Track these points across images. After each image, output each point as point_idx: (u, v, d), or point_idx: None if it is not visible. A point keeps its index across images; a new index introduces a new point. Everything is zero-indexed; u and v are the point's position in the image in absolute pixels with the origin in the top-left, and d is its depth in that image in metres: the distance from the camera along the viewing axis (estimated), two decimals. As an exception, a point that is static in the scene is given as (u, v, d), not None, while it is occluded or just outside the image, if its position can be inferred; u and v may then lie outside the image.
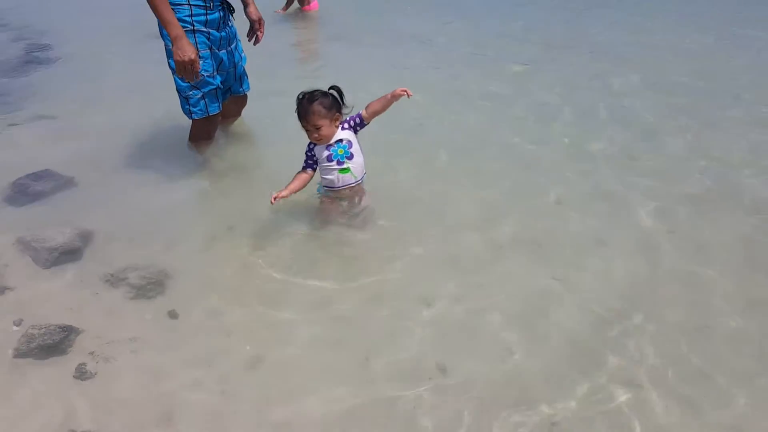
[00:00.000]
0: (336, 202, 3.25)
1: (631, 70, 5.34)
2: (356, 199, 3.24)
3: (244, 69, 4.02)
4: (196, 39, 3.49)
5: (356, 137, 3.11)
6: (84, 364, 2.38)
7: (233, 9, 3.75)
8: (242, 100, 4.21)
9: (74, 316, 2.63)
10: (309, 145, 3.11)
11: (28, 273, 2.92)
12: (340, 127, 3.06)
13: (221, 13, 3.62)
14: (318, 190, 3.26)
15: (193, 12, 3.46)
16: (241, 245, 3.10)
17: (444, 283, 2.78)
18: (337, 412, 2.18)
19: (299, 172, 3.12)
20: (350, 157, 3.08)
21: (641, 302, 2.64)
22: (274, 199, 2.92)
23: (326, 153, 3.07)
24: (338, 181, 3.12)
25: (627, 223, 3.20)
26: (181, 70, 3.39)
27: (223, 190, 3.67)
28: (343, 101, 3.05)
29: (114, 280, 2.84)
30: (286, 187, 3.01)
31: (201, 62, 3.51)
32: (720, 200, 3.37)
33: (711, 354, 2.37)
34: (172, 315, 2.64)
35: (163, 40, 3.50)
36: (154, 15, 3.32)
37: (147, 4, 3.27)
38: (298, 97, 3.01)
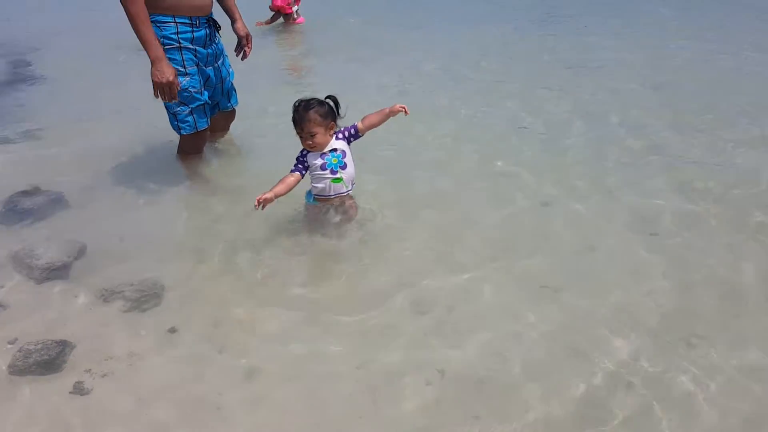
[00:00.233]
0: (325, 211, 3.27)
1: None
2: (345, 208, 3.28)
3: (232, 84, 4.07)
4: (183, 56, 3.54)
5: (349, 148, 3.18)
6: (81, 382, 2.39)
7: (219, 26, 3.81)
8: (230, 114, 4.26)
9: (69, 332, 2.65)
10: (302, 152, 3.16)
11: (22, 289, 2.94)
12: (334, 137, 3.13)
13: (207, 30, 3.67)
14: (307, 198, 3.30)
15: (180, 30, 3.51)
16: (234, 258, 3.14)
17: (437, 289, 2.85)
18: (331, 419, 2.23)
19: (286, 175, 3.12)
20: (344, 166, 3.14)
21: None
22: (258, 201, 2.95)
23: (320, 161, 3.12)
24: (330, 189, 3.18)
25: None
26: (159, 91, 3.44)
27: (213, 204, 3.70)
28: (338, 111, 3.12)
29: (108, 295, 2.86)
30: (270, 190, 3.02)
31: (188, 79, 3.57)
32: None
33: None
34: (168, 329, 2.66)
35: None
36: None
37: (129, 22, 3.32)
38: (294, 104, 3.08)
